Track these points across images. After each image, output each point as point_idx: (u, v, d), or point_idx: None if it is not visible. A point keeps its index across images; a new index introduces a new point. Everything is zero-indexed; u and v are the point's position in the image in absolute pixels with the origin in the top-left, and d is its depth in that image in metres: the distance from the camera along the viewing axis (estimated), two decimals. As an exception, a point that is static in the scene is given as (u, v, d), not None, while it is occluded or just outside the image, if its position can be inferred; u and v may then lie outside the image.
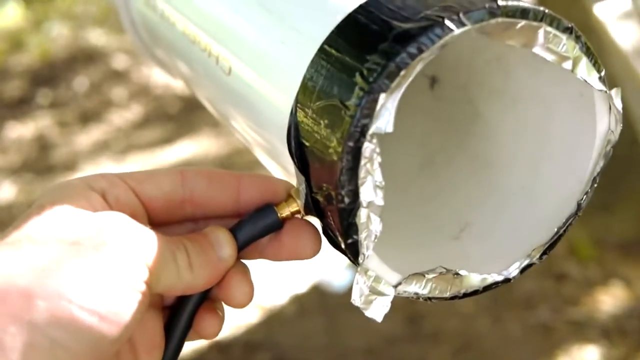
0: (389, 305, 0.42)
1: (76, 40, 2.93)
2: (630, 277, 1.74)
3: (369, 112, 0.38)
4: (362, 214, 0.39)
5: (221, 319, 0.45)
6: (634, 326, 1.62)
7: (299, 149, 0.42)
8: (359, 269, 0.41)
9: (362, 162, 0.38)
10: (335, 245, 0.43)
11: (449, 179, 0.54)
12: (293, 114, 0.42)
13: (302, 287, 1.77)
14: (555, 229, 0.46)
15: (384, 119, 0.38)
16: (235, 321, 1.66)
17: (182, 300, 0.43)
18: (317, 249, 0.44)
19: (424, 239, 0.50)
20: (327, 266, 1.80)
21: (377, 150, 0.38)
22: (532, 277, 1.74)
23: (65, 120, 2.49)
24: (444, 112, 0.56)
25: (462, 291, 0.44)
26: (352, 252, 0.41)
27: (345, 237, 0.40)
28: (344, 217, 0.39)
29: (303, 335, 1.66)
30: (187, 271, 0.41)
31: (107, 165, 2.25)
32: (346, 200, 0.39)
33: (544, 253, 0.46)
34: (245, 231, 0.43)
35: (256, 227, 0.44)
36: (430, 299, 0.43)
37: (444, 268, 0.43)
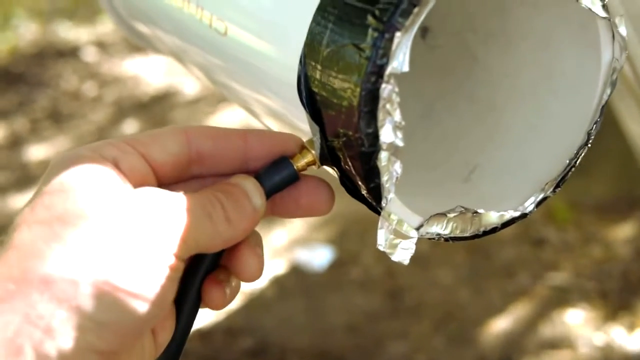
0: (414, 247, 0.42)
1: (45, 35, 2.89)
2: (608, 239, 1.76)
3: (385, 51, 0.37)
4: (383, 157, 0.39)
5: (226, 290, 0.44)
6: (613, 287, 1.64)
7: (311, 99, 0.42)
8: (382, 213, 0.41)
9: (381, 103, 0.38)
10: (354, 193, 0.43)
11: (452, 125, 0.54)
12: (302, 64, 0.42)
13: (281, 269, 1.77)
14: (567, 161, 0.46)
15: (400, 58, 0.38)
16: (216, 308, 1.65)
17: (193, 265, 0.43)
18: (332, 204, 0.44)
19: (435, 185, 0.50)
20: (305, 246, 1.80)
21: (396, 90, 0.38)
22: (511, 244, 1.75)
23: (37, 117, 2.46)
24: (439, 61, 0.56)
25: (482, 229, 0.44)
26: (375, 197, 0.40)
27: (366, 181, 0.40)
28: (365, 161, 0.39)
29: (284, 317, 1.65)
30: (224, 225, 0.41)
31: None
32: (366, 143, 0.39)
33: (557, 186, 0.46)
34: (267, 183, 0.43)
35: (275, 179, 0.43)
36: (451, 239, 0.43)
37: (463, 207, 0.43)
